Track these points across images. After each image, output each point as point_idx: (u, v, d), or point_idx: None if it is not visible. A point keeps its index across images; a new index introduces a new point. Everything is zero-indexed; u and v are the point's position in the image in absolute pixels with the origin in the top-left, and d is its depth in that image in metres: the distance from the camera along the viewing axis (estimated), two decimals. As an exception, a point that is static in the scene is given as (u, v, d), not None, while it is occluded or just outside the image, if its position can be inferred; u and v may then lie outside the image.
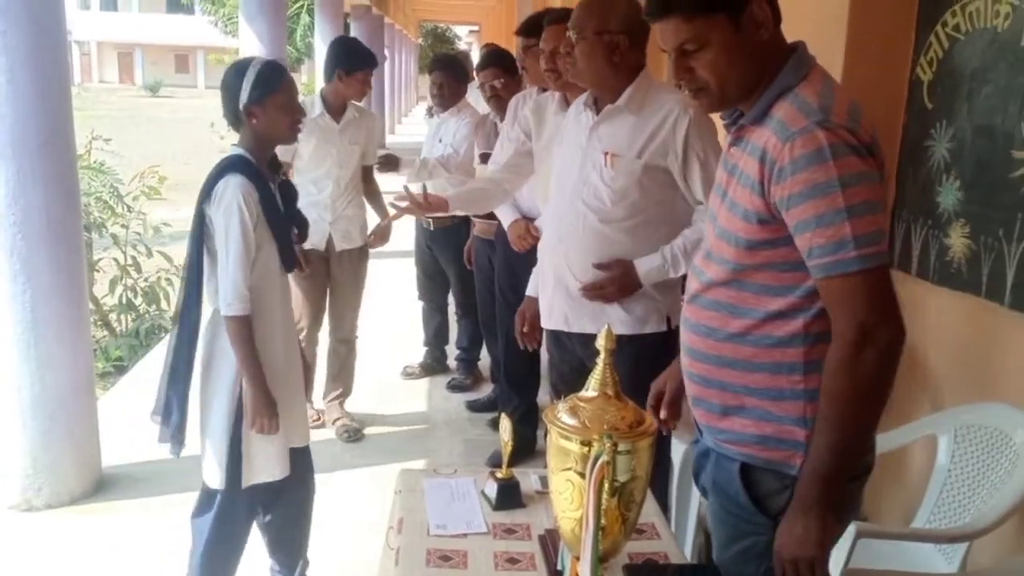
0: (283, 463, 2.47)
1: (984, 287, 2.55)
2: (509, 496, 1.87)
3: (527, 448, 3.74)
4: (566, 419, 1.19)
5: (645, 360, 2.23)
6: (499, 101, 4.02)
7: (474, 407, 4.56)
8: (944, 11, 2.74)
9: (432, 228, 4.71)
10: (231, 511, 2.46)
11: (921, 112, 2.85)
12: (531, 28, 3.46)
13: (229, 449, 2.39)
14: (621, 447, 1.14)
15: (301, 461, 2.60)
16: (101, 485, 3.58)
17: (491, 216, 3.93)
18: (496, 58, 4.16)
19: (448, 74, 4.61)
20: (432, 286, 4.99)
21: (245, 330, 2.33)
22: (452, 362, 5.08)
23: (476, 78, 4.58)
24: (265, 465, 2.45)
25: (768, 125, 1.48)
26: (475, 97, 5.77)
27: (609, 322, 1.73)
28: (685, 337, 1.66)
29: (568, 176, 2.52)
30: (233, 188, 2.28)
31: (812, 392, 1.49)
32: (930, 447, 2.52)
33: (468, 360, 4.95)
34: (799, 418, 1.51)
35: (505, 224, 3.66)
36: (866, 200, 1.38)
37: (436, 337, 5.11)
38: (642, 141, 2.39)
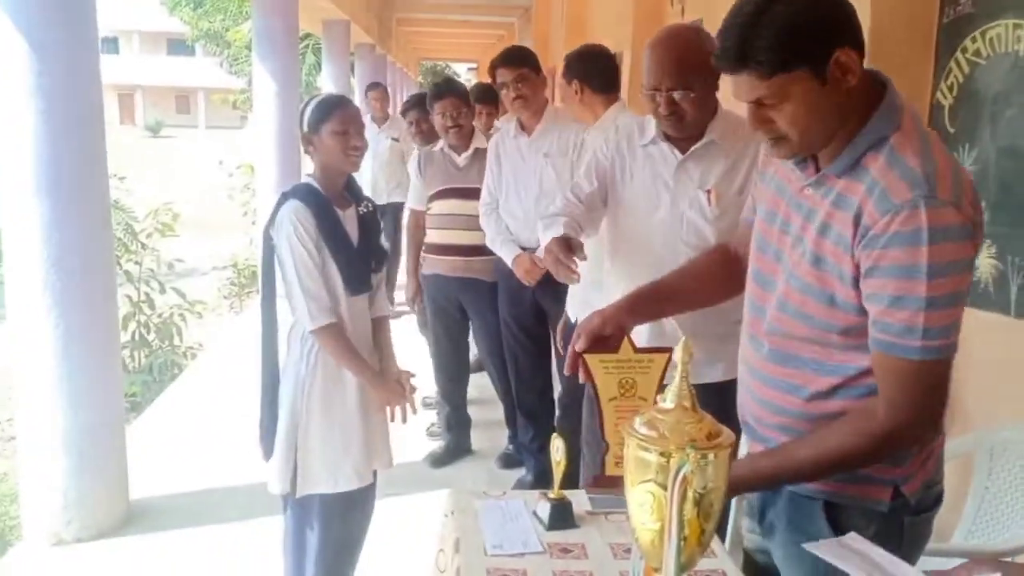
0: (346, 477, 2.52)
1: (1012, 306, 2.58)
2: (563, 516, 1.87)
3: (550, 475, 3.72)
4: (644, 431, 1.20)
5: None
6: (458, 131, 4.00)
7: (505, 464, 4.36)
8: (964, 37, 2.81)
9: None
10: (302, 518, 2.54)
11: (943, 136, 2.90)
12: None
13: (285, 457, 2.50)
14: (701, 459, 1.17)
15: (367, 490, 2.66)
16: (129, 518, 3.58)
17: (447, 251, 4.01)
18: (450, 89, 4.10)
19: (424, 111, 4.62)
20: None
21: (336, 338, 2.45)
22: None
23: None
24: (321, 476, 2.51)
25: (862, 180, 1.39)
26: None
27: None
28: (755, 387, 1.62)
29: (653, 218, 2.39)
30: (287, 212, 2.41)
31: (900, 453, 1.49)
32: (965, 467, 2.53)
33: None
34: (889, 479, 1.50)
35: (508, 260, 3.59)
36: (949, 292, 1.32)
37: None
38: (741, 174, 2.33)
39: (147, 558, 3.33)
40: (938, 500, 1.63)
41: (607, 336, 1.74)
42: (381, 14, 14.76)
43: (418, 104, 4.87)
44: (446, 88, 4.10)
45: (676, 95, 2.23)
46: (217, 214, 13.96)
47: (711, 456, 1.17)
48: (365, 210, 2.58)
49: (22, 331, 3.25)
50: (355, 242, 2.52)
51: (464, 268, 4.04)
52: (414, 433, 4.60)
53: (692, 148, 2.34)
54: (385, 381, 2.56)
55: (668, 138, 2.37)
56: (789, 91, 1.36)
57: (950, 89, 2.89)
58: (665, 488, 1.17)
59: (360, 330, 2.56)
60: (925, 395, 1.39)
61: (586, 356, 1.82)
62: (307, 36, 15.20)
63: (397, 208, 6.76)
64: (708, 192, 2.32)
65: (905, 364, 1.37)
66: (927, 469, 1.56)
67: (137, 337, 7.20)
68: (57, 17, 3.10)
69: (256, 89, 6.73)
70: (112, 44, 46.46)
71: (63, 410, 3.28)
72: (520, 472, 4.10)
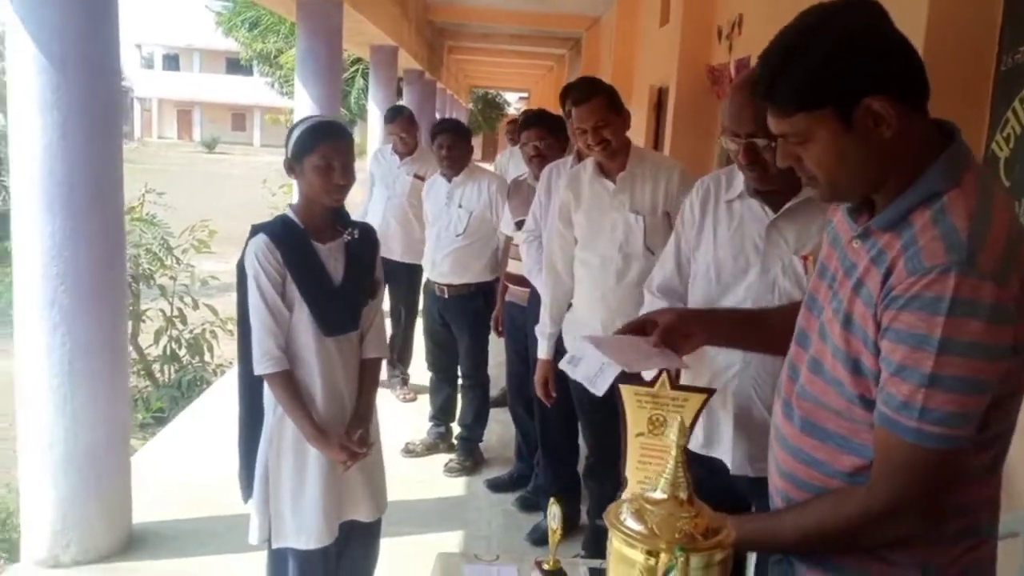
0: (318, 532, 2.37)
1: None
2: (556, 589, 1.73)
3: (569, 525, 3.55)
4: (631, 524, 1.05)
5: None
6: (541, 161, 3.84)
7: (495, 486, 4.34)
8: (1022, 87, 2.63)
9: (447, 296, 4.53)
10: (280, 570, 2.42)
11: (997, 190, 2.71)
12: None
13: (261, 506, 2.39)
14: (694, 561, 1.00)
15: (362, 537, 2.52)
16: (131, 543, 3.48)
17: (524, 282, 3.85)
18: (539, 119, 4.03)
19: (454, 136, 4.50)
20: (443, 355, 4.73)
21: (279, 386, 2.31)
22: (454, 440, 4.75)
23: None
24: (295, 529, 2.37)
25: (902, 236, 1.25)
26: (514, 160, 5.63)
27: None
28: (782, 459, 1.45)
29: (739, 285, 2.05)
30: (251, 248, 2.29)
31: (934, 538, 1.30)
32: (1015, 546, 2.33)
33: (470, 440, 4.64)
34: (918, 563, 1.30)
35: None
36: (962, 376, 1.16)
37: (443, 411, 4.81)
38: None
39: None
40: None
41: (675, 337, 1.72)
42: (433, 41, 14.83)
43: (449, 128, 4.59)
44: (532, 119, 4.05)
45: (756, 142, 1.89)
46: (260, 231, 14.05)
47: (706, 558, 1.01)
48: (350, 237, 2.38)
49: (27, 348, 3.18)
50: (338, 277, 2.34)
51: (531, 296, 3.91)
52: (431, 469, 4.49)
53: (786, 205, 2.02)
54: (327, 441, 2.30)
55: (758, 193, 2.04)
56: (812, 132, 1.27)
57: (1007, 140, 2.71)
58: (650, 592, 1.02)
59: (339, 373, 2.38)
60: (910, 483, 1.22)
61: (621, 387, 1.72)
62: (357, 60, 15.33)
63: (413, 271, 5.42)
64: (805, 259, 1.99)
65: (897, 443, 1.22)
66: (969, 559, 1.34)
67: (168, 352, 7.19)
68: (79, 32, 3.04)
69: (297, 112, 6.71)
70: (173, 61, 47.66)
71: (65, 430, 3.20)
72: (539, 517, 3.93)
